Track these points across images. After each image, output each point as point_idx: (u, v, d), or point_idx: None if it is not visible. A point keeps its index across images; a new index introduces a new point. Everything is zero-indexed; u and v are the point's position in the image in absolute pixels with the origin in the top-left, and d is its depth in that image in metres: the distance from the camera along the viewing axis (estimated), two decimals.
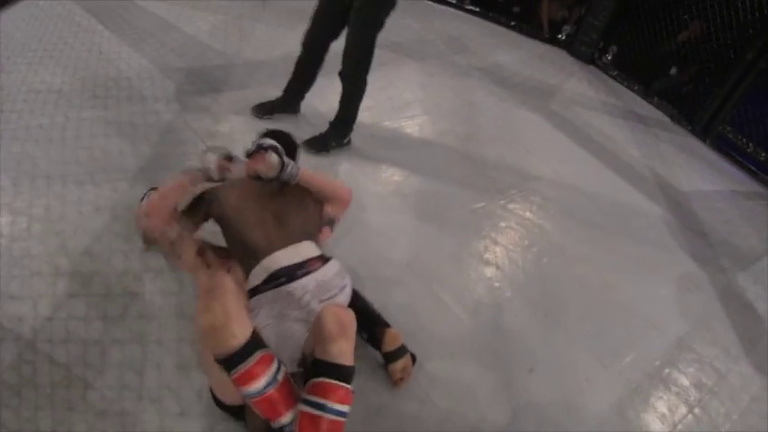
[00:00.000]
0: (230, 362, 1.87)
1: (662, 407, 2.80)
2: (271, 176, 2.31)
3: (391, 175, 3.73)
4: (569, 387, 2.75)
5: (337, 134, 3.73)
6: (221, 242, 2.40)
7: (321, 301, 2.12)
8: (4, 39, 4.06)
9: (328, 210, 2.52)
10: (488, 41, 6.02)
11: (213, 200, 2.37)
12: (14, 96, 3.53)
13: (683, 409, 2.82)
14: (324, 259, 2.26)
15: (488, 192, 3.83)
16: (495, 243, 3.44)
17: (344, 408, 1.92)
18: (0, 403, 2.13)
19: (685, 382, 2.96)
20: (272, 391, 1.91)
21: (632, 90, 5.94)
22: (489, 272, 3.24)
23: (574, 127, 4.93)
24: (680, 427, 2.73)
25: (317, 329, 2.02)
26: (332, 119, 3.70)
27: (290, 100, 3.88)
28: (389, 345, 2.47)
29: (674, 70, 5.73)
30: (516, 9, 6.60)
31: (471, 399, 2.55)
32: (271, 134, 2.48)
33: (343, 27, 3.40)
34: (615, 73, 6.07)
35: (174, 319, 2.52)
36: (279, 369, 1.95)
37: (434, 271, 3.12)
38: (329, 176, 2.59)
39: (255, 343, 1.92)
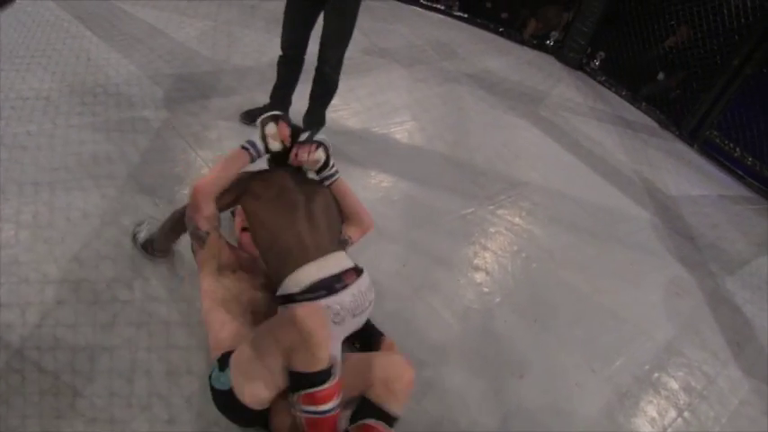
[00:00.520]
0: (316, 378, 1.91)
1: (651, 411, 2.82)
2: (311, 169, 2.40)
3: (380, 181, 3.73)
4: (559, 392, 2.76)
5: (319, 129, 3.73)
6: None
7: (354, 316, 2.12)
8: None
9: (346, 230, 2.50)
10: (477, 47, 6.04)
11: (244, 191, 2.37)
12: (2, 103, 3.50)
13: (672, 413, 2.83)
14: (357, 271, 2.23)
15: (477, 197, 3.84)
16: (485, 248, 3.45)
17: None
18: None
19: (675, 385, 2.98)
20: (331, 416, 1.96)
21: (620, 95, 5.98)
22: (479, 277, 3.25)
23: (562, 132, 4.95)
24: (669, 430, 2.75)
25: (381, 371, 2.11)
26: (306, 114, 3.77)
27: (278, 105, 3.87)
28: None
29: (661, 76, 5.78)
30: (504, 15, 6.63)
31: (461, 404, 2.55)
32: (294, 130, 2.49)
33: (316, 16, 3.44)
34: (603, 78, 6.11)
35: (163, 326, 2.51)
36: None
37: (424, 277, 3.12)
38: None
39: (334, 367, 1.98)
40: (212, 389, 2.08)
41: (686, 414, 2.85)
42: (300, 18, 3.47)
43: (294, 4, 3.43)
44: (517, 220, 3.75)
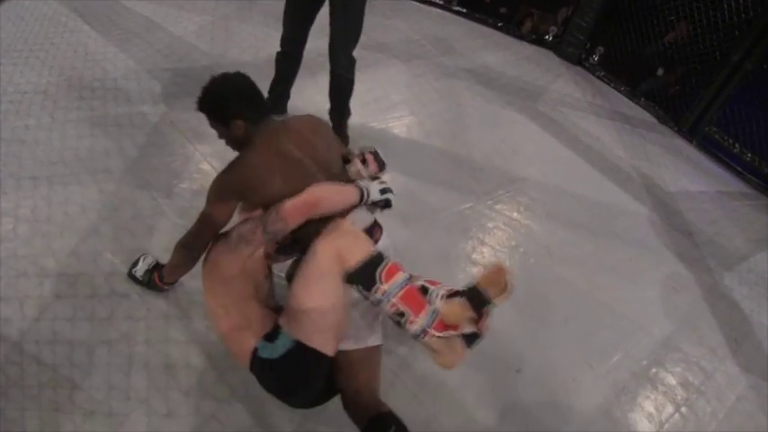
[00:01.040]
0: (375, 260, 1.97)
1: (649, 406, 2.83)
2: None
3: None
4: (556, 387, 2.77)
5: (346, 121, 3.77)
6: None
7: None
8: None
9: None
10: (475, 42, 6.03)
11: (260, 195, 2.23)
12: (0, 97, 3.50)
13: (669, 409, 2.84)
14: (377, 223, 2.28)
15: (475, 192, 3.84)
16: (483, 244, 3.45)
17: None
18: None
19: (672, 381, 2.98)
20: (409, 285, 2.00)
21: (619, 91, 5.97)
22: (477, 272, 3.25)
23: (560, 128, 4.95)
24: (667, 426, 2.75)
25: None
26: (330, 111, 3.73)
27: (276, 101, 3.88)
28: None
29: (660, 71, 5.77)
30: (503, 10, 6.61)
31: (458, 399, 2.56)
32: None
33: (315, 12, 3.42)
34: (602, 74, 6.10)
35: (161, 320, 2.51)
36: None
37: (421, 271, 3.10)
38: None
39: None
40: (263, 365, 2.03)
41: (684, 410, 2.86)
42: (300, 15, 3.45)
43: (294, 1, 3.43)
44: (515, 215, 3.75)
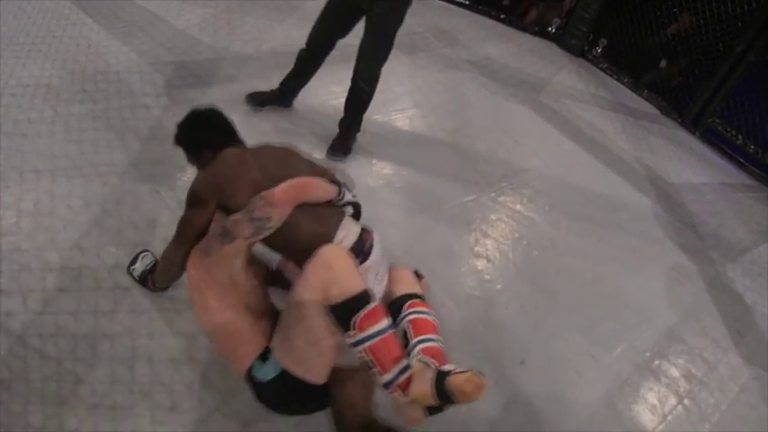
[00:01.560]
0: (357, 302, 1.90)
1: (652, 398, 2.83)
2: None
3: (381, 169, 3.72)
4: (559, 379, 2.77)
5: (353, 133, 3.75)
6: None
7: (377, 276, 2.17)
8: None
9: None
10: (478, 34, 6.02)
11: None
12: (2, 90, 3.50)
13: (672, 400, 2.84)
14: (365, 228, 2.24)
15: (478, 185, 3.83)
16: (486, 236, 3.45)
17: None
18: None
19: (675, 373, 2.99)
20: (391, 333, 1.96)
21: (622, 83, 5.96)
22: (480, 264, 3.25)
23: (563, 120, 4.94)
24: (669, 418, 2.75)
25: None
26: (341, 119, 3.72)
27: (286, 94, 3.89)
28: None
29: (663, 63, 5.76)
30: (506, 2, 6.60)
31: None
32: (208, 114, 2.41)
33: (351, 26, 3.43)
34: (605, 66, 6.09)
35: (164, 314, 2.51)
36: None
37: (425, 264, 3.11)
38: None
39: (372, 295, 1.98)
40: (257, 384, 2.04)
41: (686, 401, 2.86)
42: (335, 25, 3.47)
43: (334, 7, 3.43)
44: (518, 207, 3.75)
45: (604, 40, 6.12)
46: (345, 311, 1.89)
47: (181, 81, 3.94)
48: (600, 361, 2.91)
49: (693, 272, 3.68)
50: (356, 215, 2.37)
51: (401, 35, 3.40)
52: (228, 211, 2.11)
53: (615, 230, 3.81)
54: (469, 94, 4.86)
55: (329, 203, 2.23)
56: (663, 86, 5.72)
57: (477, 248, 3.35)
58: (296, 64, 3.74)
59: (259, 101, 3.86)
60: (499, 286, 3.15)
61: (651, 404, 2.80)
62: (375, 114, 4.16)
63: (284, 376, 1.99)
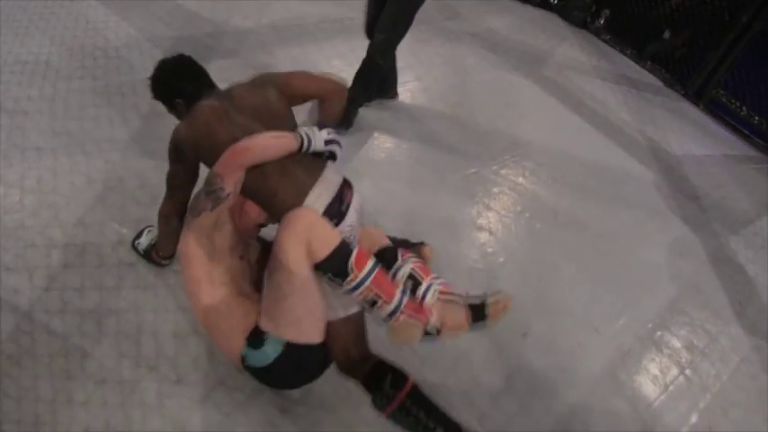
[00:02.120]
0: (344, 248, 1.94)
1: (654, 369, 2.85)
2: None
3: (383, 142, 3.72)
4: (562, 351, 2.79)
5: (356, 106, 3.69)
6: None
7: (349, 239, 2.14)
8: None
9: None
10: (480, 7, 5.96)
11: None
12: (1, 68, 3.48)
13: (674, 371, 2.86)
14: (347, 182, 2.23)
15: (481, 157, 3.83)
16: (488, 209, 3.45)
17: None
18: (1, 372, 2.15)
19: (677, 344, 3.00)
20: (379, 266, 2.01)
21: (625, 54, 5.92)
22: (482, 237, 3.26)
23: (566, 92, 4.91)
24: (671, 388, 2.78)
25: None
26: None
27: (382, 84, 3.85)
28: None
29: (667, 34, 5.71)
30: None
31: (465, 363, 2.58)
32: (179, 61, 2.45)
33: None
34: (608, 37, 6.04)
35: (169, 289, 2.53)
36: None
37: (427, 237, 3.12)
38: None
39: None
40: (259, 370, 2.04)
41: (688, 372, 2.88)
42: (381, 6, 3.43)
43: None
44: (520, 180, 3.74)
45: (607, 12, 6.06)
46: (338, 261, 1.92)
47: None
48: (602, 333, 2.93)
49: (696, 244, 3.68)
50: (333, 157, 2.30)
51: None
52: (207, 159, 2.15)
53: (617, 203, 3.81)
54: (471, 67, 4.83)
55: (301, 156, 2.15)
56: (666, 58, 5.68)
57: (479, 221, 3.36)
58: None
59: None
60: (502, 259, 3.16)
61: (653, 375, 2.82)
62: None
63: (289, 351, 1.99)
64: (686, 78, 5.48)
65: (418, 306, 2.05)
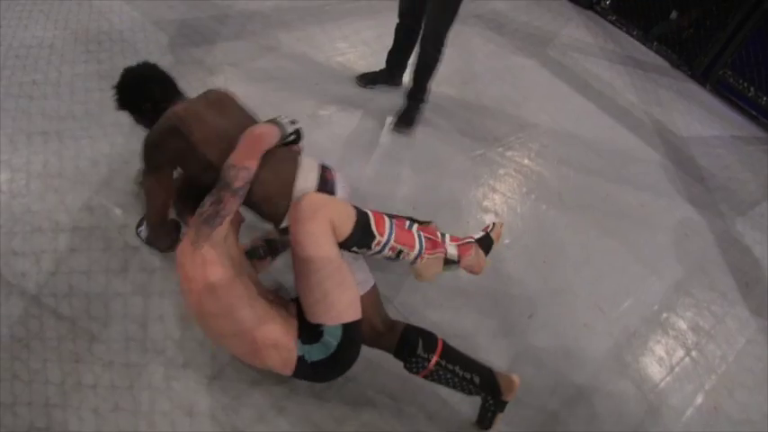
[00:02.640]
0: (363, 217, 2.04)
1: (660, 350, 2.85)
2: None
3: (389, 124, 3.71)
4: (568, 333, 2.79)
5: (418, 103, 3.72)
6: None
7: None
8: None
9: None
10: None
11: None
12: (6, 52, 3.48)
13: (680, 353, 2.87)
14: (326, 166, 2.28)
15: (486, 139, 3.81)
16: (494, 190, 3.45)
17: None
18: (11, 356, 2.17)
19: (683, 325, 3.00)
20: (396, 224, 2.13)
21: (631, 35, 5.87)
22: (488, 219, 3.26)
23: (572, 73, 4.88)
24: (677, 369, 2.78)
25: None
26: (409, 90, 3.70)
27: (393, 71, 3.93)
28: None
29: (674, 14, 5.65)
30: None
31: (472, 345, 2.59)
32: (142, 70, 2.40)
33: None
34: (614, 18, 5.99)
35: (175, 272, 2.53)
36: None
37: (433, 219, 3.12)
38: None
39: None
40: (315, 366, 1.96)
41: (694, 353, 2.88)
42: None
43: None
44: (526, 161, 3.73)
45: None
46: (363, 232, 2.00)
47: (185, 39, 3.90)
48: (608, 314, 2.93)
49: (702, 226, 3.67)
50: (298, 138, 2.36)
51: None
52: (196, 165, 2.11)
53: (623, 184, 3.79)
54: (476, 49, 4.80)
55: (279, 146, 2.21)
56: (673, 39, 5.63)
57: (485, 203, 3.35)
58: (394, 37, 3.74)
59: (369, 80, 3.93)
60: (507, 240, 3.16)
61: (659, 356, 2.83)
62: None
63: (347, 332, 1.95)
64: (693, 59, 5.43)
65: (435, 241, 2.22)
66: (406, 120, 3.68)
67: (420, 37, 3.47)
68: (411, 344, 2.13)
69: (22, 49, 3.53)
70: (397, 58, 3.85)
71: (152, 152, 2.20)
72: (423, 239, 2.16)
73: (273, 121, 2.23)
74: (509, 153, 3.76)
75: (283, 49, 4.03)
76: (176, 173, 2.34)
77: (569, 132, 4.13)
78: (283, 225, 2.14)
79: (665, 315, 3.03)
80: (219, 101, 2.32)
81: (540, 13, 5.75)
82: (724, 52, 5.19)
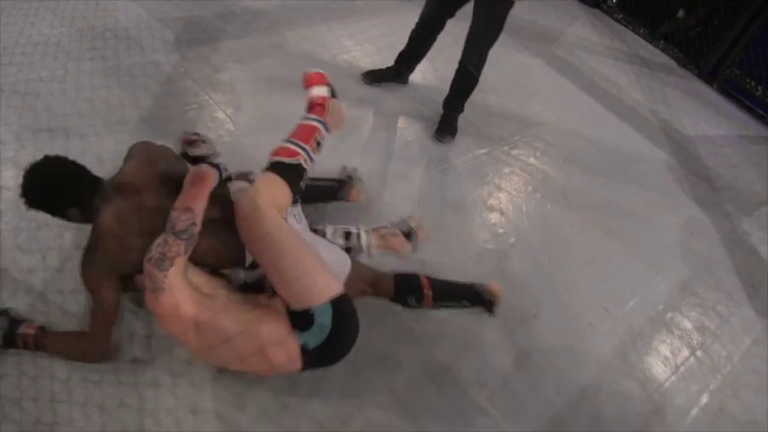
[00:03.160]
0: (298, 168, 2.19)
1: (665, 350, 2.85)
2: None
3: (394, 123, 3.71)
4: (573, 332, 2.79)
5: (458, 113, 3.73)
6: None
7: (295, 217, 2.34)
8: None
9: None
10: None
11: None
12: (12, 49, 3.49)
13: (685, 352, 2.86)
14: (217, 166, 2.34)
15: (491, 138, 3.81)
16: (499, 189, 3.44)
17: None
18: (17, 351, 2.17)
19: (688, 325, 3.00)
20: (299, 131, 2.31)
21: (637, 34, 5.85)
22: (493, 218, 3.25)
23: (577, 72, 4.87)
24: (682, 369, 2.78)
25: None
26: (445, 101, 3.72)
27: (401, 70, 3.94)
28: None
29: (681, 12, 5.62)
30: None
31: (476, 344, 2.59)
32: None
33: (459, 6, 3.40)
34: (620, 16, 5.97)
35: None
36: None
37: (438, 218, 3.13)
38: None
39: None
40: (319, 351, 1.96)
41: (699, 353, 2.88)
42: (444, 5, 3.45)
43: None
44: (531, 160, 3.73)
45: None
46: (295, 178, 2.18)
47: (190, 37, 3.91)
48: (613, 314, 2.92)
49: (708, 225, 3.66)
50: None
51: None
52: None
53: (629, 184, 3.79)
54: None
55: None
56: (680, 37, 5.60)
57: (490, 202, 3.35)
58: (408, 40, 3.76)
59: (375, 77, 3.93)
60: (512, 239, 3.15)
61: (664, 356, 2.82)
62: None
63: (337, 307, 1.96)
64: (700, 57, 5.41)
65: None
66: (450, 130, 3.69)
67: (462, 56, 3.48)
68: (401, 293, 2.44)
69: (29, 46, 3.54)
70: (408, 61, 3.87)
71: (91, 276, 2.02)
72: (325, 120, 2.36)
73: (208, 165, 2.21)
74: (514, 152, 3.75)
75: (288, 46, 4.03)
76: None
77: (575, 131, 4.12)
78: (248, 263, 2.19)
79: (670, 315, 3.02)
80: (142, 166, 2.21)
81: (545, 12, 5.74)
82: (731, 51, 5.16)
